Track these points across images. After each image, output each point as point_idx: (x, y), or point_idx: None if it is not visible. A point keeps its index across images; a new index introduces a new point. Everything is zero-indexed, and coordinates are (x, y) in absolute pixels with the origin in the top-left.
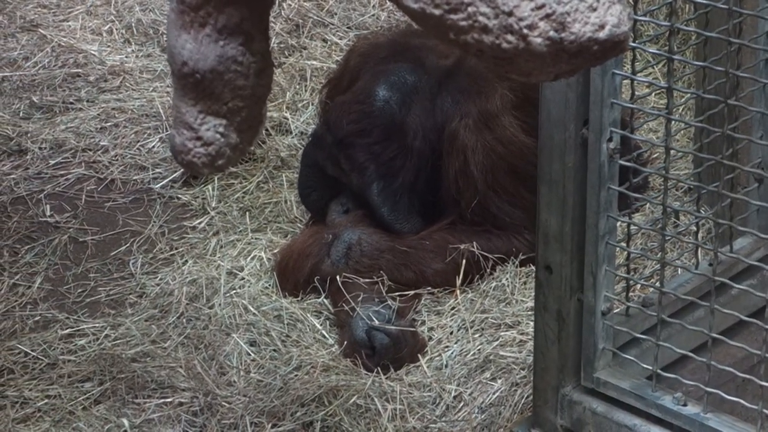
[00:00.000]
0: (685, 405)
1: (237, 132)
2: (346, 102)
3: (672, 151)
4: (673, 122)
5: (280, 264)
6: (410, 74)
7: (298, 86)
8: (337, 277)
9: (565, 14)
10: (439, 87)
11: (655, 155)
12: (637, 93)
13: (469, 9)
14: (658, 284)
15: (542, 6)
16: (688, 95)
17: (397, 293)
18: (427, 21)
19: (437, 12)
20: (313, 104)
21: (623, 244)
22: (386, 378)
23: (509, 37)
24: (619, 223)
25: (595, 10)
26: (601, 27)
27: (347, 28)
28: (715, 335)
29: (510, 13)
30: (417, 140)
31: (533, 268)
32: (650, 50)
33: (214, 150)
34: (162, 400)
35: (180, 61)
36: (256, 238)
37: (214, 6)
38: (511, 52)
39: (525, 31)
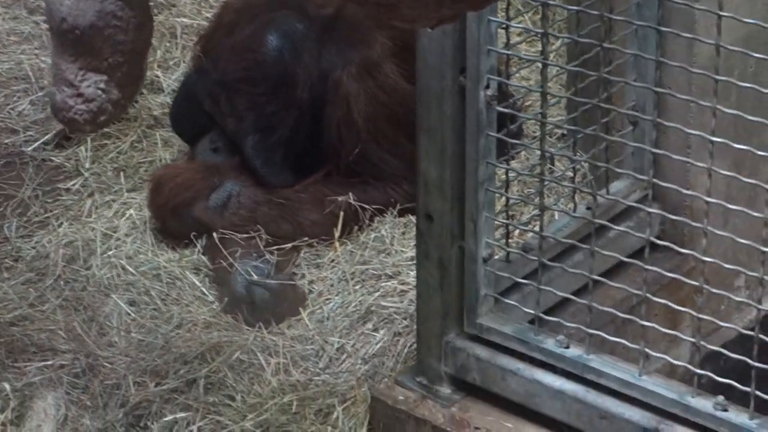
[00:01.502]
0: (567, 347)
1: (118, 87)
2: (237, 46)
3: (547, 97)
4: (547, 68)
5: (159, 179)
6: (299, 23)
7: (168, 44)
8: (214, 234)
9: None
10: (322, 36)
11: (528, 103)
12: (511, 41)
13: None
14: (537, 229)
15: None
16: (563, 40)
17: (275, 247)
18: None
19: None
20: (184, 62)
21: (502, 191)
22: (268, 332)
23: None
24: (497, 170)
25: None
26: None
27: None
28: (595, 277)
29: None
30: (304, 92)
31: (412, 218)
32: None
33: (96, 106)
34: (43, 363)
35: (59, 17)
36: (131, 198)
37: None
38: None
39: None
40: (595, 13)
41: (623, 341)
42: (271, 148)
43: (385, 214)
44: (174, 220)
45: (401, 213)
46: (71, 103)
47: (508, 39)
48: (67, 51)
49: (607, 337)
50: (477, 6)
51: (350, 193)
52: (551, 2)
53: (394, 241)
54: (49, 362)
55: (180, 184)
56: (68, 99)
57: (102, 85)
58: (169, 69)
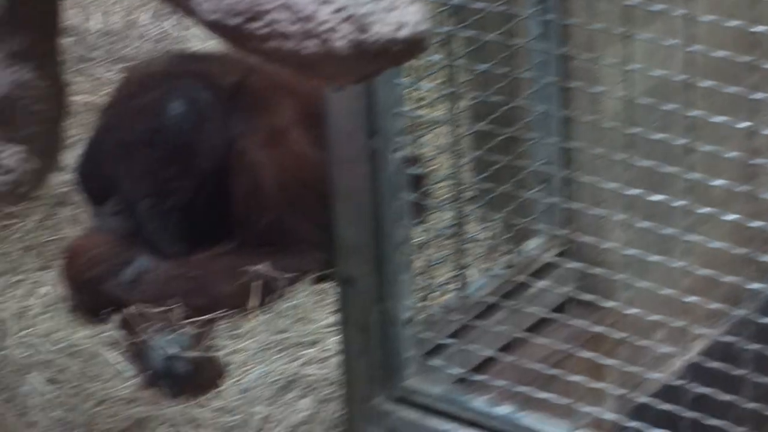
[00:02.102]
0: (496, 406)
1: (38, 157)
2: (140, 110)
3: (459, 158)
4: (457, 129)
5: (73, 251)
6: (204, 91)
7: (67, 122)
8: (128, 309)
9: (365, 15)
10: (226, 104)
11: (435, 166)
12: (421, 102)
13: (267, 17)
14: (457, 289)
15: (341, 9)
16: (468, 101)
17: (191, 319)
18: (225, 31)
19: (235, 21)
20: (84, 139)
21: (420, 252)
22: (193, 405)
23: (311, 42)
24: (414, 231)
25: (393, 10)
26: (401, 27)
27: (111, 61)
28: (519, 335)
29: (310, 18)
30: (204, 160)
31: (328, 284)
32: (432, 57)
33: (15, 177)
34: None
35: None
36: (42, 277)
37: (4, 31)
38: (313, 57)
39: (326, 35)
40: (502, 72)
41: (551, 397)
42: (164, 214)
43: (301, 282)
44: (86, 295)
45: (317, 280)
46: None
47: (417, 101)
48: None
49: (535, 393)
50: (398, 61)
51: (264, 263)
52: (456, 63)
53: (311, 309)
54: None
55: (92, 258)
56: None
57: (21, 156)
58: (69, 147)
